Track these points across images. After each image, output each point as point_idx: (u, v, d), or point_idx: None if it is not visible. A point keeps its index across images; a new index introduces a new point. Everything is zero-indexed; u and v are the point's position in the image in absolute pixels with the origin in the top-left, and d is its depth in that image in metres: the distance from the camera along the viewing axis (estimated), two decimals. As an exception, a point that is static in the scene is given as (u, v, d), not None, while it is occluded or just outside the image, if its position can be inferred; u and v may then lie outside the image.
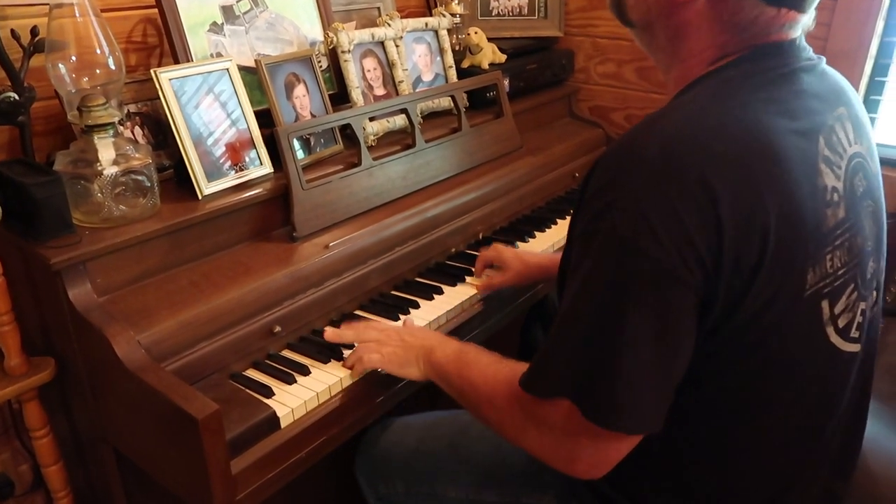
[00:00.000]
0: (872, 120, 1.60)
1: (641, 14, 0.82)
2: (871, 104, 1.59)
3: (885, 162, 1.49)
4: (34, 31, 1.07)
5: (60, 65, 1.05)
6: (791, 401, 0.78)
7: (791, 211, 0.69)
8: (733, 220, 0.66)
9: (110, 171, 1.01)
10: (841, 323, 0.77)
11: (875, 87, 1.57)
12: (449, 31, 1.60)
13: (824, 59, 0.82)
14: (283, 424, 0.94)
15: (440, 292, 1.24)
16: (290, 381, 1.00)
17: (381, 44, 1.45)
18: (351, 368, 1.02)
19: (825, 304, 0.75)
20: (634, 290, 0.67)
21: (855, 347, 0.81)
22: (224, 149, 1.16)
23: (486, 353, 0.92)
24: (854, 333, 0.80)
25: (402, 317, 1.16)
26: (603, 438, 0.72)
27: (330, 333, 1.07)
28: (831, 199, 0.73)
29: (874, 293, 0.84)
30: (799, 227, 0.70)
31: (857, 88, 1.53)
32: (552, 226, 1.51)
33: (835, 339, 0.77)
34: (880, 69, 1.55)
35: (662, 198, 0.66)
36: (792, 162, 0.70)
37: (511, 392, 0.80)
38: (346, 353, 1.06)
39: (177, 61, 1.20)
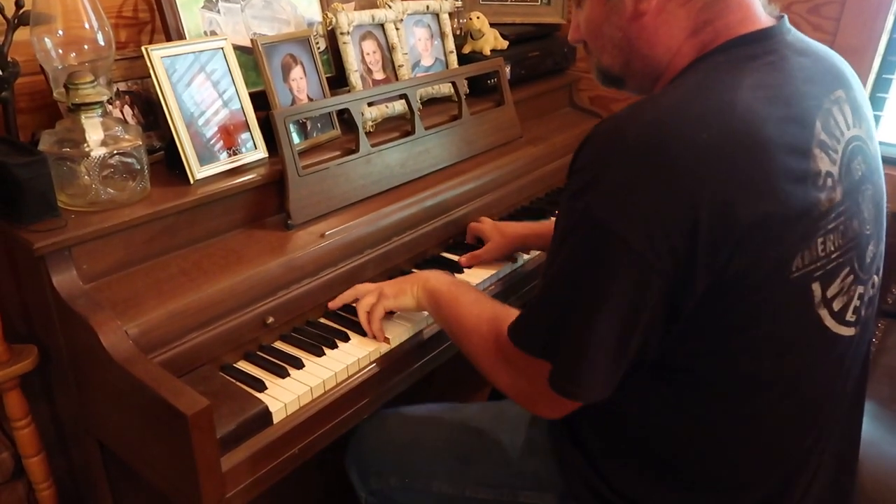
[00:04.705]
0: (878, 118, 1.58)
1: (617, 56, 0.84)
2: (877, 102, 1.57)
3: (889, 161, 1.49)
4: (19, 3, 1.02)
5: (46, 39, 1.01)
6: (785, 386, 0.77)
7: (777, 197, 0.68)
8: (711, 207, 0.66)
9: (98, 152, 0.96)
10: (836, 306, 0.77)
11: (882, 85, 1.55)
12: (450, 14, 1.55)
13: (814, 42, 0.82)
14: (275, 420, 0.91)
15: (437, 284, 1.21)
16: (283, 374, 0.97)
17: (381, 26, 1.41)
18: (372, 335, 1.06)
19: (816, 287, 0.74)
20: (603, 268, 0.69)
21: (851, 331, 0.80)
22: (217, 132, 1.11)
23: (475, 290, 1.01)
24: (850, 317, 0.79)
25: (398, 309, 1.13)
26: (557, 398, 0.77)
27: (332, 303, 1.11)
28: (825, 184, 0.72)
29: (874, 277, 0.84)
30: (783, 214, 0.69)
31: (863, 85, 1.51)
32: (551, 218, 1.48)
33: (829, 322, 0.77)
34: (888, 66, 1.53)
35: (641, 182, 0.67)
36: (780, 148, 0.69)
37: (491, 332, 0.87)
38: (342, 345, 1.04)
39: (169, 39, 1.15)
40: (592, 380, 0.74)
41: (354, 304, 1.09)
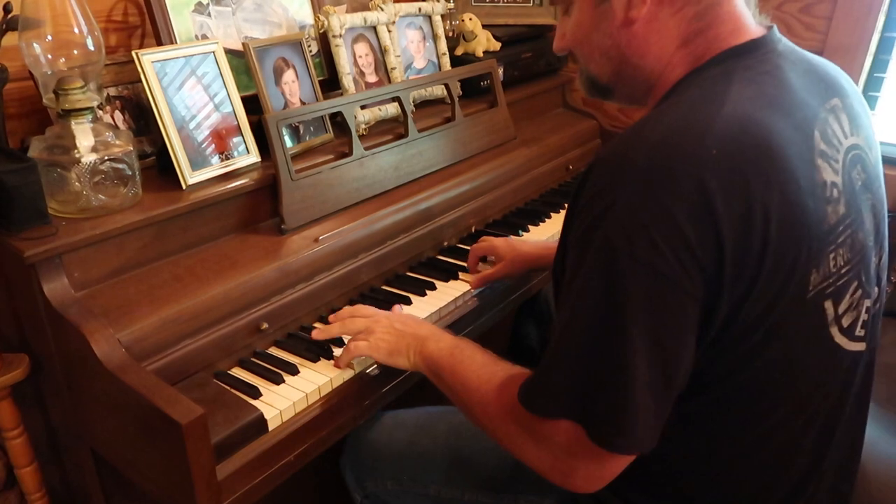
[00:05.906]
0: (870, 116, 1.58)
1: (605, 64, 0.81)
2: (869, 101, 1.57)
3: (885, 160, 1.49)
4: (7, 8, 1.01)
5: (35, 44, 0.99)
6: (796, 404, 0.76)
7: (791, 209, 0.67)
8: (731, 222, 0.63)
9: (89, 158, 0.95)
10: (845, 322, 0.76)
11: (873, 84, 1.56)
12: (443, 16, 1.55)
13: (806, 52, 0.81)
14: (270, 427, 0.90)
15: (433, 287, 1.20)
16: (278, 380, 0.96)
17: (374, 28, 1.40)
18: (341, 366, 0.99)
19: (829, 304, 0.73)
20: (631, 301, 0.64)
21: (860, 346, 0.79)
22: (209, 136, 1.10)
23: (481, 351, 0.89)
24: (859, 332, 0.78)
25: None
26: (602, 457, 0.71)
27: (316, 332, 1.03)
28: (831, 196, 0.71)
29: (877, 289, 0.83)
30: (800, 226, 0.68)
31: (855, 84, 1.51)
32: (546, 219, 1.48)
33: (839, 338, 0.75)
34: (879, 65, 1.54)
35: (658, 204, 0.63)
36: (788, 158, 0.67)
37: (506, 401, 0.78)
38: (336, 351, 1.02)
39: (160, 43, 1.14)
40: (643, 424, 0.67)
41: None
